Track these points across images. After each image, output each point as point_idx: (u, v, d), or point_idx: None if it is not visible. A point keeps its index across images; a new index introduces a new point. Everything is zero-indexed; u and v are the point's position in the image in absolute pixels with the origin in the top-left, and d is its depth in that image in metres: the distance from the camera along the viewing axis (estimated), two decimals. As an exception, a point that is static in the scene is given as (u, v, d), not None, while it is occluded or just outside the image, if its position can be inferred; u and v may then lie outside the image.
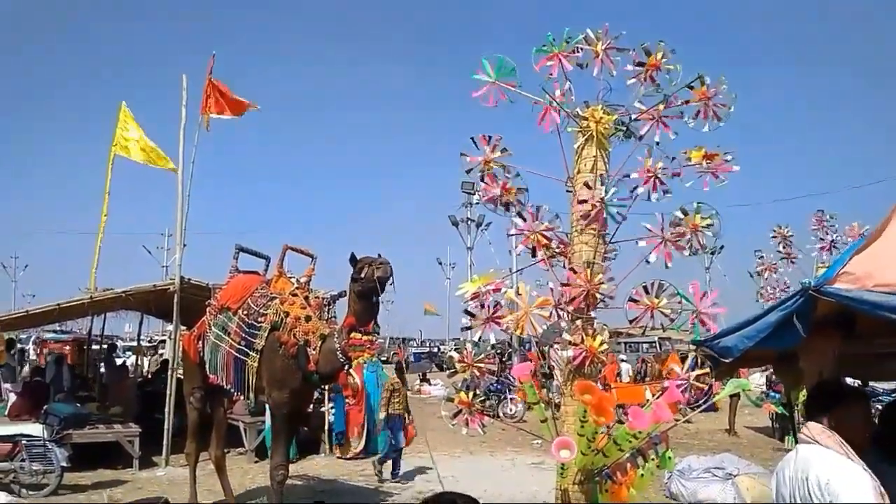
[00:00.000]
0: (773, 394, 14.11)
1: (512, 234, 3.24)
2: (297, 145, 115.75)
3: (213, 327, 7.78)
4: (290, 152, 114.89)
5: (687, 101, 3.09)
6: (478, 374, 3.29)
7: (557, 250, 3.18)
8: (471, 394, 3.32)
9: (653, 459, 2.93)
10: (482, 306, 3.12)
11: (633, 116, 3.16)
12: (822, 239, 6.84)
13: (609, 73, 3.16)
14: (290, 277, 7.85)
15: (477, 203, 3.79)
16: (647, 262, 3.00)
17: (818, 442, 2.56)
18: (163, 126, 14.61)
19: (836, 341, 3.32)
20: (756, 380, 15.68)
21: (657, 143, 3.10)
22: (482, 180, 3.30)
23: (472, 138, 3.28)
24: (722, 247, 3.11)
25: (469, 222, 34.13)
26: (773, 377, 12.74)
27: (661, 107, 3.11)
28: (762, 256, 7.15)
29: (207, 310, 8.08)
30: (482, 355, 3.37)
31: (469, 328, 3.17)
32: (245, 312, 7.45)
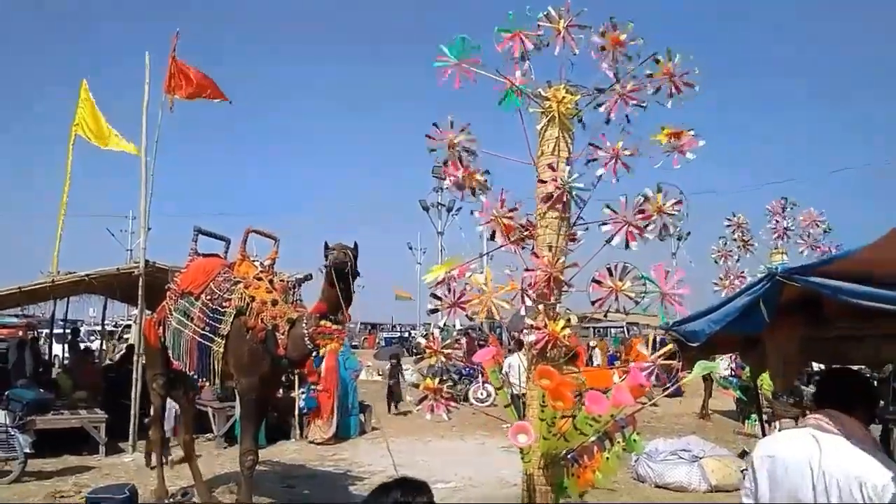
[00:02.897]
0: (732, 379, 14.34)
1: (479, 223, 3.18)
2: (263, 126, 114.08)
3: (174, 312, 7.63)
4: (256, 133, 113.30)
5: (650, 75, 3.02)
6: (444, 359, 3.28)
7: (525, 234, 3.15)
8: (437, 379, 3.31)
9: (619, 442, 2.93)
10: (449, 290, 3.09)
11: (596, 95, 3.08)
12: (776, 224, 6.96)
13: (571, 51, 3.09)
14: (254, 261, 7.69)
15: (446, 188, 3.76)
16: (607, 242, 2.97)
17: (853, 435, 2.49)
18: (126, 104, 14.27)
19: (800, 327, 3.38)
20: (722, 365, 15.98)
21: (627, 120, 3.04)
22: (446, 164, 3.25)
23: (434, 123, 3.23)
24: (689, 233, 3.09)
25: (439, 207, 34.15)
26: (735, 362, 12.97)
27: (625, 85, 3.05)
28: (726, 243, 7.26)
29: (167, 294, 7.92)
30: (448, 340, 3.35)
31: (435, 311, 3.15)
32: (208, 297, 7.29)
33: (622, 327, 28.85)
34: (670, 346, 2.99)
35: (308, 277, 7.32)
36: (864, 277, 2.63)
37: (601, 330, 31.15)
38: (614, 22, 2.98)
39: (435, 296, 3.11)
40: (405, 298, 45.24)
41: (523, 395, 3.19)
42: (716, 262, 6.82)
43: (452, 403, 3.29)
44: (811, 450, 2.52)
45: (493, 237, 3.17)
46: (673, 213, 2.89)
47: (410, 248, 46.21)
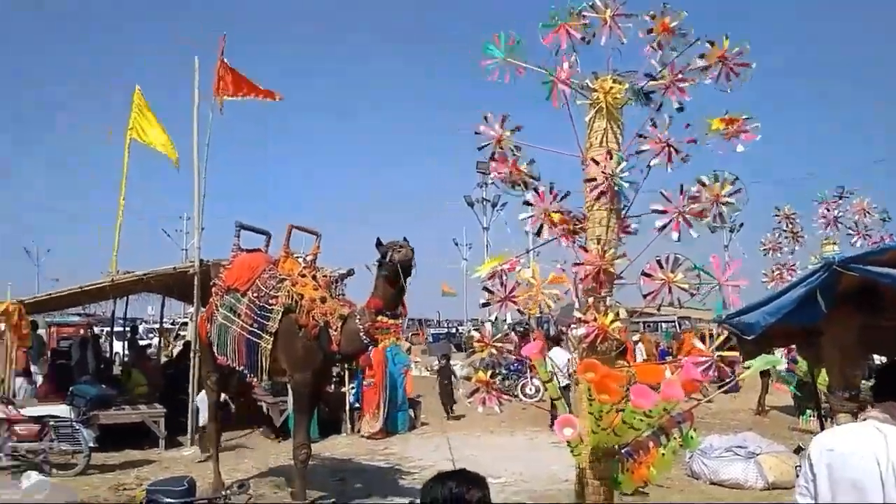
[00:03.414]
0: (784, 373, 13.90)
1: (524, 216, 3.14)
2: (309, 126, 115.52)
3: (220, 308, 7.78)
4: (301, 133, 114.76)
5: (703, 56, 2.89)
6: (496, 353, 3.27)
7: (578, 227, 3.11)
8: (489, 372, 3.31)
9: (675, 438, 2.86)
10: (501, 285, 3.08)
11: (646, 83, 2.98)
12: (825, 214, 6.76)
13: (619, 40, 3.01)
14: (297, 257, 7.80)
15: (491, 183, 3.74)
16: (660, 232, 2.87)
17: None
18: (176, 110, 14.65)
19: (859, 317, 3.28)
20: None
21: (679, 109, 2.93)
22: (492, 159, 3.23)
23: (485, 116, 3.22)
24: (741, 224, 2.98)
25: (484, 202, 34.06)
26: (789, 357, 12.59)
27: (671, 72, 2.93)
28: (778, 235, 7.07)
29: (213, 290, 8.07)
30: (499, 335, 3.34)
31: (487, 304, 3.14)
32: (255, 294, 7.40)
33: (673, 321, 28.31)
34: (722, 336, 2.87)
35: (350, 273, 7.44)
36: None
37: (652, 324, 30.63)
38: (666, 7, 2.89)
39: (487, 289, 3.10)
40: (450, 295, 45.26)
41: (565, 387, 3.16)
42: (765, 254, 6.67)
43: (504, 396, 3.29)
44: (877, 442, 2.44)
45: (539, 233, 3.13)
46: (730, 201, 2.78)
47: (456, 244, 46.24)
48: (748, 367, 2.98)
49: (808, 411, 13.02)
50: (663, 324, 29.94)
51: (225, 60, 12.51)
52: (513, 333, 3.64)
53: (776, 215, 6.67)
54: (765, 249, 6.63)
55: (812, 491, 2.61)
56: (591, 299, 2.93)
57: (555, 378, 3.20)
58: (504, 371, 17.09)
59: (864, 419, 2.62)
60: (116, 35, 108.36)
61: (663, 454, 2.81)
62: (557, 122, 3.29)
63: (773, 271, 6.23)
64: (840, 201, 6.83)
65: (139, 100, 13.33)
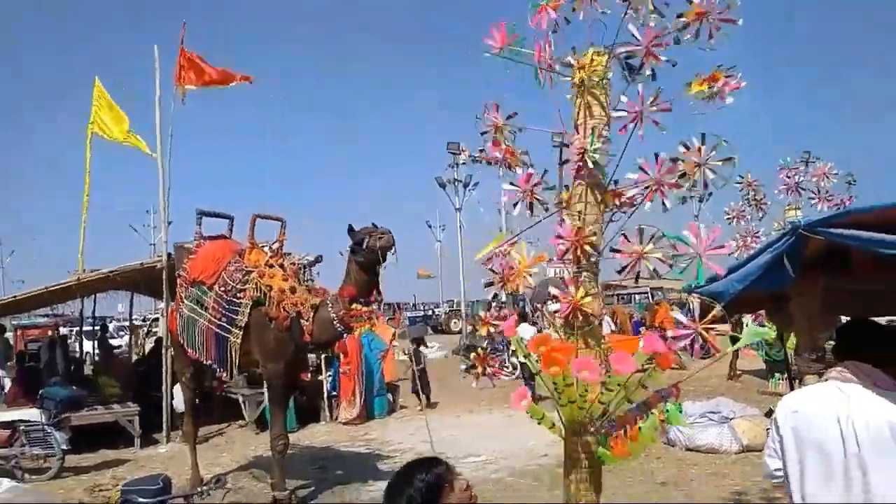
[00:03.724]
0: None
1: (508, 192, 3.11)
2: (274, 111, 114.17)
3: (185, 300, 7.66)
4: (268, 118, 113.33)
5: (681, 15, 2.74)
6: (493, 331, 3.27)
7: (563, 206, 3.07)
8: (484, 350, 3.33)
9: (655, 413, 2.83)
10: (500, 266, 3.07)
11: (624, 52, 2.87)
12: (786, 180, 6.83)
13: (598, 13, 2.88)
14: (263, 247, 7.65)
15: (463, 163, 3.69)
16: (635, 207, 2.81)
17: (877, 382, 2.46)
18: (139, 99, 14.30)
19: (824, 281, 3.31)
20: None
21: (651, 76, 2.81)
22: (495, 144, 3.20)
23: (484, 105, 3.18)
24: (710, 194, 2.91)
25: (456, 183, 33.94)
26: (758, 322, 12.79)
27: (646, 37, 2.79)
28: (740, 203, 7.12)
29: (178, 281, 7.92)
30: (483, 313, 3.37)
31: (491, 284, 3.12)
32: (222, 289, 7.29)
33: (646, 292, 28.62)
34: (716, 310, 2.78)
35: (319, 259, 7.36)
36: (882, 227, 2.56)
37: (625, 296, 30.92)
38: None
39: (493, 270, 3.09)
40: (427, 277, 45.32)
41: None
42: (729, 223, 6.72)
43: (501, 373, 3.28)
44: (837, 401, 2.49)
45: (515, 206, 3.11)
46: (716, 167, 2.68)
47: (429, 226, 46.18)
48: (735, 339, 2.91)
49: (777, 375, 13.31)
50: (636, 295, 30.24)
51: (185, 49, 12.20)
52: (507, 310, 3.63)
53: (738, 183, 6.71)
54: (729, 218, 6.68)
55: (779, 452, 2.64)
56: (566, 275, 2.90)
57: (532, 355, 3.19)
58: (464, 352, 17.19)
59: (826, 379, 2.66)
60: (76, 28, 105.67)
61: (641, 429, 2.78)
62: (543, 102, 3.25)
63: (737, 239, 6.28)
64: (806, 167, 6.90)
65: (98, 91, 12.95)
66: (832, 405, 2.48)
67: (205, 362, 7.47)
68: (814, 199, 6.68)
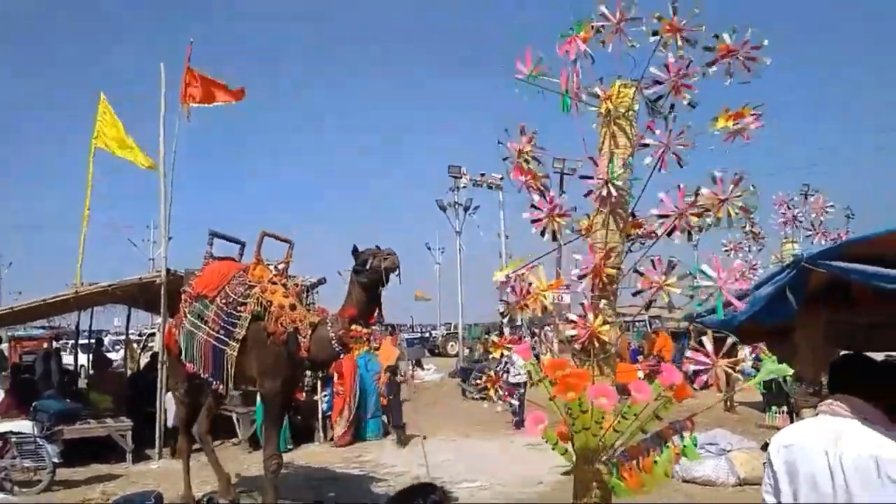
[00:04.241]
0: (750, 371, 14.07)
1: (533, 213, 3.12)
2: (277, 131, 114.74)
3: (188, 315, 7.66)
4: (271, 139, 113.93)
5: (709, 48, 2.79)
6: (507, 353, 3.28)
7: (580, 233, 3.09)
8: (494, 373, 3.34)
9: (670, 448, 2.76)
10: (513, 290, 3.07)
11: (650, 87, 2.93)
12: (784, 213, 6.86)
13: (627, 46, 2.94)
14: (268, 264, 7.70)
15: (464, 187, 3.72)
16: (658, 238, 2.83)
17: (866, 416, 2.46)
18: (143, 116, 14.37)
19: (826, 314, 3.32)
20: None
21: (690, 105, 2.85)
22: (514, 164, 3.22)
23: (506, 130, 3.20)
24: (710, 225, 2.91)
25: (457, 206, 34.01)
26: (755, 355, 12.72)
27: (672, 73, 2.85)
28: (736, 235, 7.15)
29: (182, 297, 7.93)
30: (494, 336, 3.37)
31: (507, 305, 3.13)
32: (223, 301, 7.30)
33: (645, 321, 28.53)
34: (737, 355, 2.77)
35: (322, 281, 7.37)
36: (880, 259, 2.58)
37: (625, 324, 30.80)
38: (675, 6, 2.80)
39: (509, 292, 3.10)
40: (425, 300, 45.21)
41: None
42: (727, 254, 6.75)
43: (510, 396, 3.28)
44: (826, 434, 2.49)
45: (543, 234, 3.12)
46: (739, 202, 2.71)
47: (429, 249, 46.20)
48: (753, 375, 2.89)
49: (774, 408, 13.24)
50: (637, 323, 30.15)
51: (192, 68, 12.32)
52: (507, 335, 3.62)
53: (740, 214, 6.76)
54: (727, 250, 6.71)
55: (774, 488, 2.63)
56: (586, 302, 2.91)
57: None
58: (478, 373, 17.07)
59: (817, 413, 2.66)
60: (82, 42, 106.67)
61: (656, 462, 2.75)
62: (571, 131, 3.27)
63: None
64: (805, 200, 6.94)
65: (104, 107, 13.05)
66: (822, 439, 2.48)
67: (202, 375, 7.44)
68: (810, 233, 6.72)
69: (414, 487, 2.24)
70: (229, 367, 7.09)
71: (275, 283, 7.26)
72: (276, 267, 7.71)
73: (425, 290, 44.30)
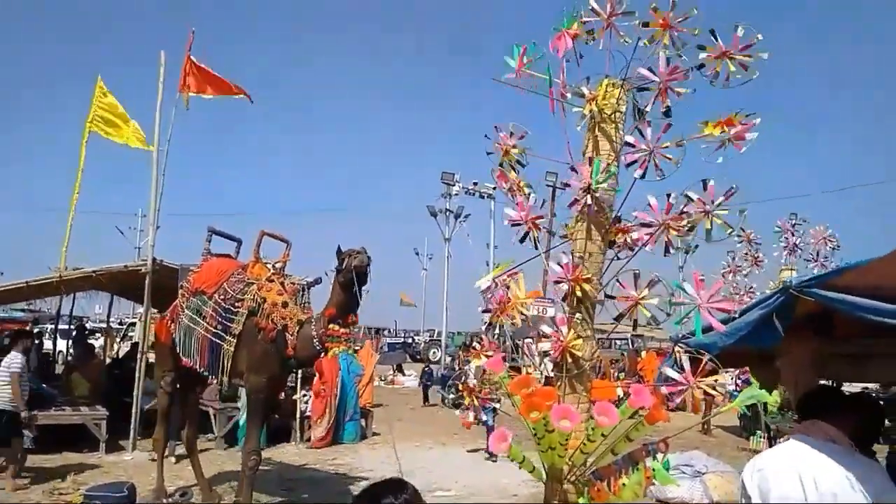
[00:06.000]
0: (736, 393, 14.13)
1: (511, 218, 3.07)
2: (274, 129, 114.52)
3: (185, 310, 7.74)
4: (266, 137, 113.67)
5: (702, 47, 2.69)
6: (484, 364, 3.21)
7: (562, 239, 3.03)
8: (473, 383, 3.29)
9: (640, 470, 2.71)
10: (492, 296, 3.02)
11: (638, 85, 2.84)
12: (786, 240, 6.93)
13: (618, 42, 2.84)
14: (266, 263, 7.86)
15: (456, 194, 3.70)
16: (638, 249, 2.74)
17: (830, 438, 2.53)
18: (138, 103, 14.23)
19: (814, 342, 3.34)
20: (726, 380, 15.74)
21: (665, 113, 2.75)
22: (500, 165, 3.18)
23: (495, 126, 3.18)
24: (696, 246, 2.84)
25: (447, 213, 34.06)
26: (739, 378, 12.84)
27: (663, 73, 2.75)
28: (734, 258, 7.15)
29: (180, 292, 8.02)
30: (458, 344, 3.34)
31: (488, 311, 3.06)
32: (221, 297, 7.43)
33: (626, 338, 28.62)
34: (716, 374, 2.72)
35: (317, 281, 7.47)
36: (872, 289, 2.60)
37: (606, 342, 30.91)
38: (674, 2, 2.71)
39: (488, 300, 3.07)
40: (408, 305, 45.16)
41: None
42: (724, 277, 6.80)
43: (491, 403, 3.25)
44: (796, 457, 2.54)
45: (522, 241, 3.07)
46: (722, 214, 2.61)
47: (417, 254, 46.23)
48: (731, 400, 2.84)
49: (759, 432, 13.32)
50: (617, 341, 30.26)
51: (192, 57, 12.26)
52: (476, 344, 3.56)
53: (739, 238, 6.81)
54: (724, 272, 6.76)
55: None
56: (561, 314, 2.86)
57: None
58: (452, 381, 17.01)
59: (788, 438, 2.70)
60: (82, 23, 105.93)
61: (624, 485, 2.73)
62: (568, 132, 3.18)
63: (731, 294, 6.36)
64: (793, 227, 7.01)
65: (101, 90, 12.87)
66: (794, 462, 2.53)
67: (197, 369, 7.51)
68: (810, 262, 6.78)
69: (386, 482, 2.13)
70: (226, 361, 7.20)
71: (272, 281, 7.41)
72: (273, 266, 7.85)
73: (411, 294, 44.34)
